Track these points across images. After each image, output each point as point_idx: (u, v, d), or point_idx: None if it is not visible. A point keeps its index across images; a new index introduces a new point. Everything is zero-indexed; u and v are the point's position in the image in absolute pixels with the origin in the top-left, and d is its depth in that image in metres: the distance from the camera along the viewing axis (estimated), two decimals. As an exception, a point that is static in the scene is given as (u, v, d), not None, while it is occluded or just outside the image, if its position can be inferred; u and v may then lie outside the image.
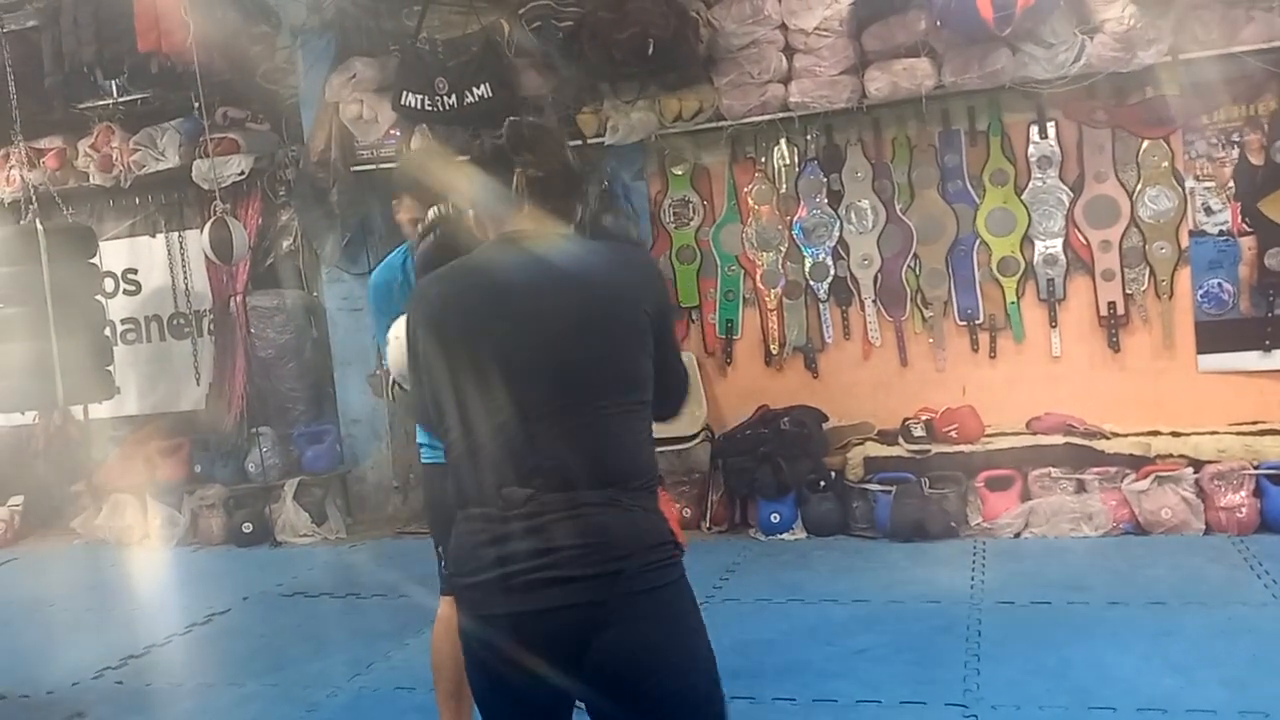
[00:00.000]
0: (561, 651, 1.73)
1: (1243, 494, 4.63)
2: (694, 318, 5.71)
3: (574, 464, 1.75)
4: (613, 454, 1.78)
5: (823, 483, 5.17)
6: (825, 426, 5.36)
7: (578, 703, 1.85)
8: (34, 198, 6.12)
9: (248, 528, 6.01)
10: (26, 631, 4.93)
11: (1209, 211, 5.02)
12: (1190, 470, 4.70)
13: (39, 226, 5.95)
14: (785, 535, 5.15)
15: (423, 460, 3.14)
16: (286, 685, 3.93)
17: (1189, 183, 5.03)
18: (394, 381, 2.76)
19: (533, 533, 1.73)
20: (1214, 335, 5.04)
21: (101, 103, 6.30)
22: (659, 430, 1.95)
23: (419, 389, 1.94)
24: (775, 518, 5.16)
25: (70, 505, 6.61)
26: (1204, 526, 4.66)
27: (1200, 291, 5.04)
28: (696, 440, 5.51)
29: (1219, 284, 5.01)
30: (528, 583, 1.73)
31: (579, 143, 5.27)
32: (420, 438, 3.15)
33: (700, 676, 1.79)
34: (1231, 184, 4.97)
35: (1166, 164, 5.03)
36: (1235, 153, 4.95)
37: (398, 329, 2.56)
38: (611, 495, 1.75)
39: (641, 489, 1.80)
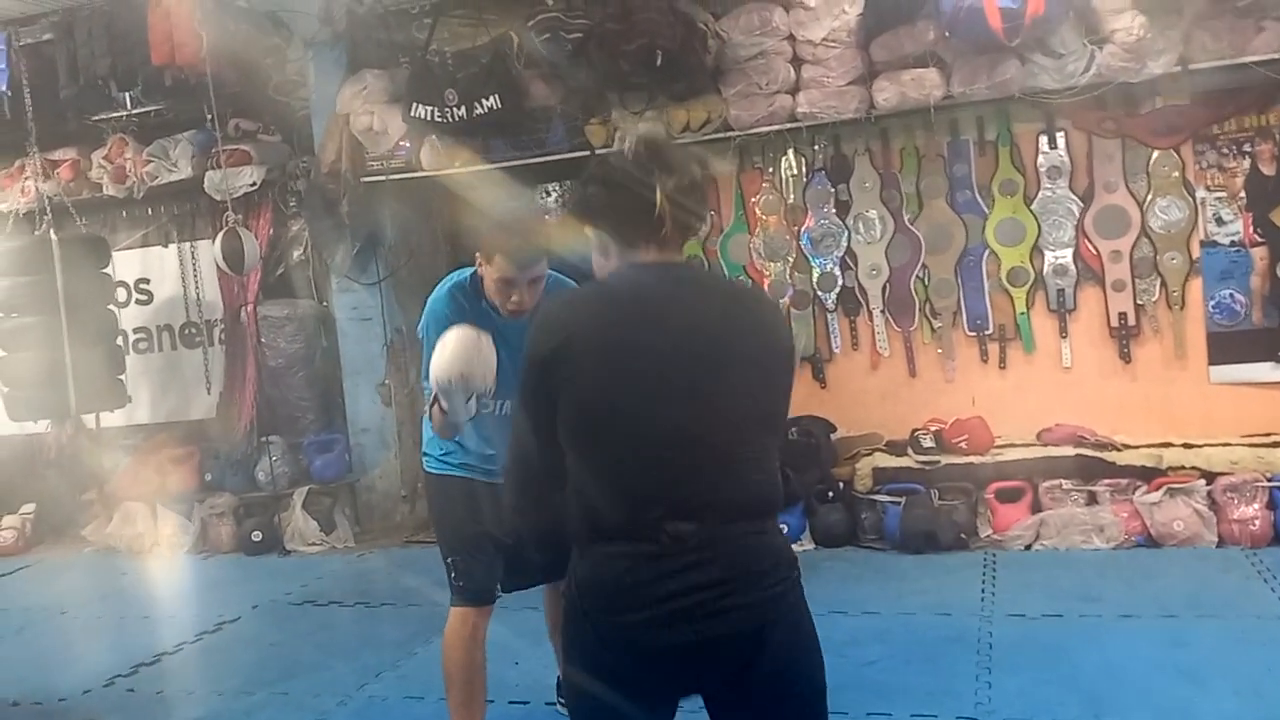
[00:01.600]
0: (729, 671, 1.82)
1: (1255, 506, 4.60)
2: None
3: (731, 498, 1.80)
4: (760, 487, 1.85)
5: (831, 493, 5.16)
6: (833, 437, 5.35)
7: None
8: (48, 208, 6.19)
9: (257, 536, 6.02)
10: (38, 639, 4.95)
11: (1220, 222, 5.01)
12: (1202, 482, 4.67)
13: (53, 236, 6.01)
14: (794, 546, 5.12)
15: (428, 470, 3.14)
16: (296, 694, 3.93)
17: (1200, 193, 5.02)
18: (435, 397, 2.74)
19: (704, 565, 1.77)
20: (1226, 346, 5.02)
21: (115, 115, 6.35)
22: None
23: (528, 434, 1.88)
24: (783, 528, 5.15)
25: (81, 513, 6.64)
26: (1216, 539, 4.63)
27: (1212, 302, 5.03)
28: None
29: (1230, 295, 5.00)
30: (706, 613, 1.77)
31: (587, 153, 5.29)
32: (427, 448, 3.13)
33: (823, 673, 1.92)
34: (1243, 194, 4.96)
35: (1177, 174, 5.02)
36: (1246, 163, 4.94)
37: (450, 335, 2.65)
38: (759, 525, 1.85)
39: (775, 515, 1.92)
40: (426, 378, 2.77)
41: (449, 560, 3.08)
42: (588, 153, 5.46)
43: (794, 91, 5.21)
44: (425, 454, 3.13)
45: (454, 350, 2.64)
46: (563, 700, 3.24)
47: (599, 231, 1.90)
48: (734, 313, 1.86)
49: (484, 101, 5.35)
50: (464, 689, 3.03)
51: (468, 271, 3.01)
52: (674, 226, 1.83)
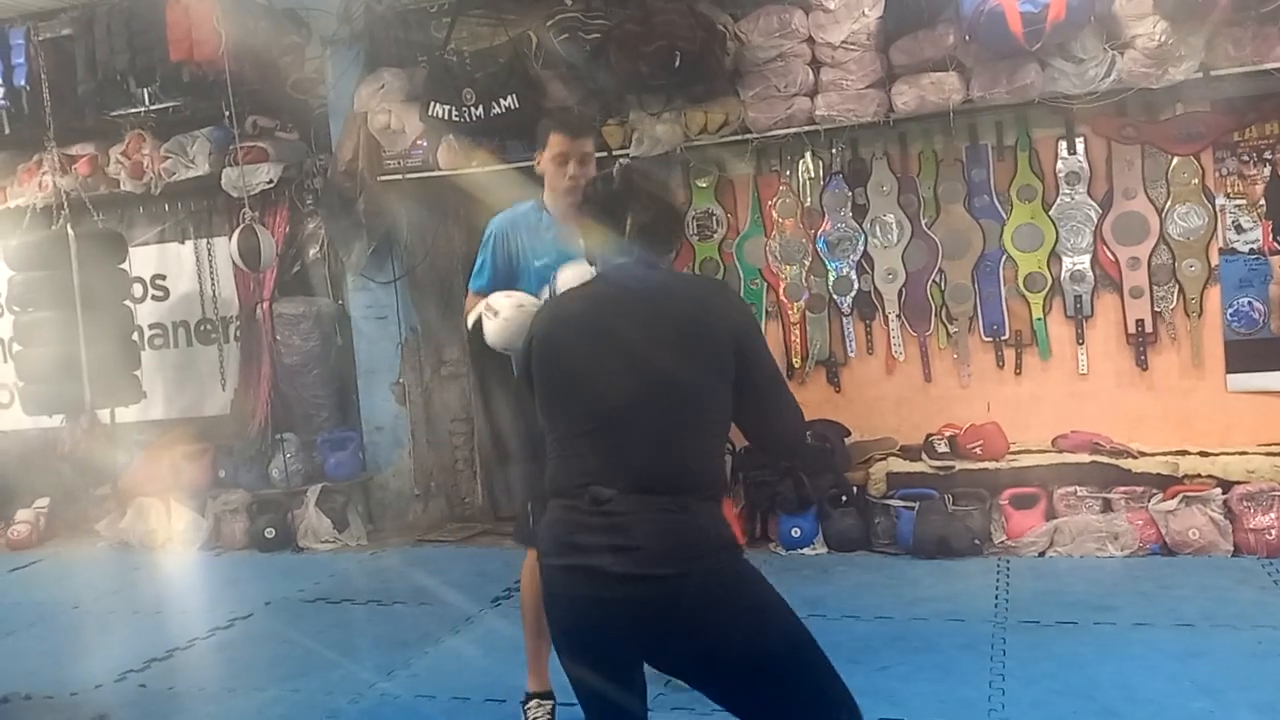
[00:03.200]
0: (638, 637, 2.00)
1: (1272, 516, 4.57)
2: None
3: (651, 471, 2.00)
4: (684, 465, 2.03)
5: (845, 498, 5.14)
6: (848, 441, 5.33)
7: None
8: (66, 203, 6.22)
9: (270, 533, 6.04)
10: (51, 633, 4.97)
11: (1239, 229, 4.97)
12: (1219, 491, 4.64)
13: (70, 232, 6.04)
14: (806, 550, 5.12)
15: None
16: (308, 691, 3.94)
17: (1219, 200, 4.99)
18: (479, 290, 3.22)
19: (614, 530, 1.98)
20: (1243, 354, 4.98)
21: (133, 110, 6.36)
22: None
23: (516, 394, 2.36)
24: (796, 532, 5.14)
25: (95, 508, 6.67)
26: (1232, 548, 4.60)
27: (1230, 310, 4.99)
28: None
29: (1249, 303, 4.96)
30: (609, 574, 1.97)
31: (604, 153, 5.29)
32: None
33: (779, 650, 2.01)
34: (1263, 202, 4.93)
35: (1196, 181, 4.99)
36: (1267, 170, 4.91)
37: (507, 311, 3.00)
38: (683, 502, 1.99)
39: (709, 498, 2.06)
40: (474, 276, 3.32)
41: (528, 506, 3.28)
42: (604, 154, 5.45)
43: (812, 94, 5.20)
44: None
45: (504, 324, 3.00)
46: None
47: (586, 238, 2.31)
48: (668, 312, 2.10)
49: (502, 101, 5.35)
50: (535, 617, 3.26)
51: (531, 200, 3.39)
52: (642, 245, 2.20)
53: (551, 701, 3.34)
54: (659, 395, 2.03)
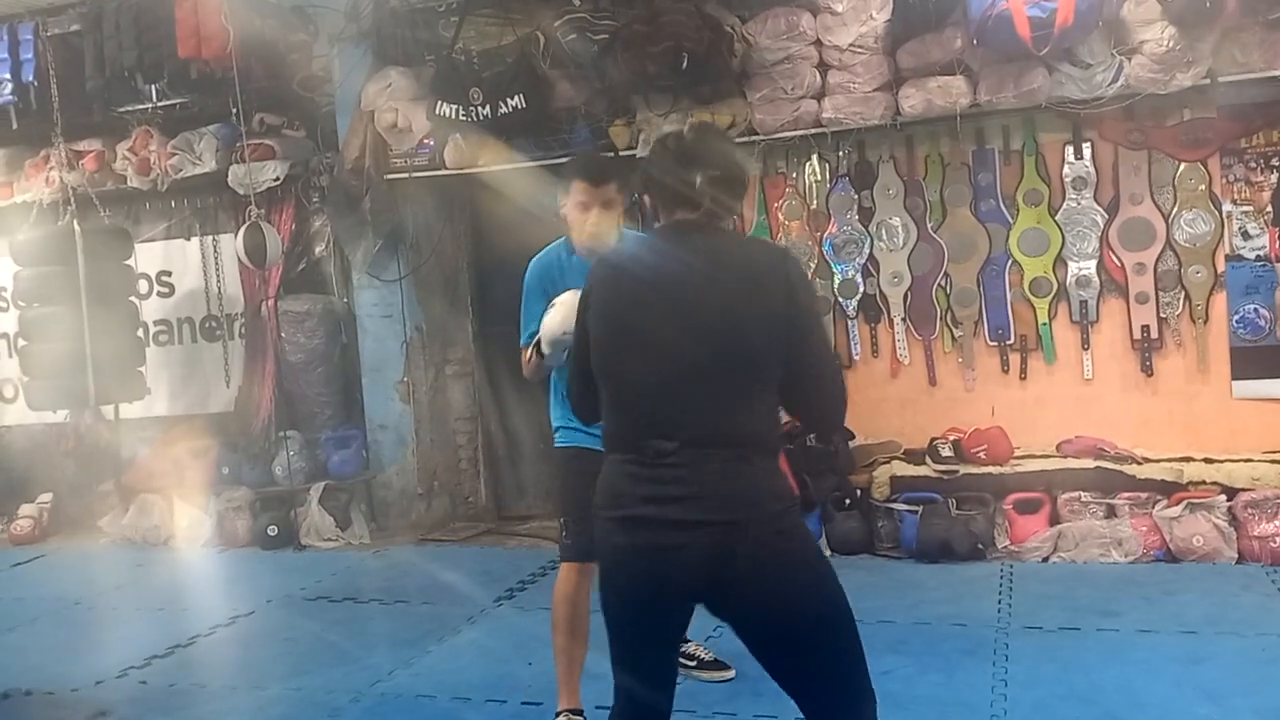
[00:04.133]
0: (697, 577, 2.04)
1: (1277, 523, 4.56)
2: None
3: (710, 426, 2.05)
4: (742, 421, 2.06)
5: (848, 501, 5.13)
6: (851, 444, 5.32)
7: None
8: (72, 199, 6.24)
9: (273, 531, 6.04)
10: (52, 629, 4.97)
11: (1246, 236, 4.96)
12: (1223, 498, 4.63)
13: (76, 227, 6.06)
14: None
15: (558, 444, 3.40)
16: (309, 689, 3.94)
17: (1226, 206, 4.97)
18: (536, 343, 3.13)
19: (677, 480, 2.04)
20: (1249, 361, 4.97)
21: (141, 107, 6.39)
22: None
23: (574, 359, 2.30)
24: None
25: (98, 504, 6.68)
26: (1236, 555, 4.59)
27: (1236, 317, 4.98)
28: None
29: (1255, 309, 4.95)
30: (672, 521, 2.03)
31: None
32: (557, 421, 3.40)
33: (818, 601, 2.10)
34: (1269, 208, 4.91)
35: (1203, 187, 4.99)
36: (1274, 177, 4.90)
37: (564, 298, 2.98)
38: (742, 454, 2.05)
39: (767, 452, 2.11)
40: (524, 329, 3.26)
41: (562, 520, 3.34)
42: (611, 154, 5.46)
43: (819, 97, 5.20)
44: (556, 430, 3.40)
45: (566, 312, 2.90)
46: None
47: (649, 198, 2.27)
48: (725, 272, 2.13)
49: (509, 101, 5.36)
50: (567, 633, 3.28)
51: (561, 240, 3.38)
52: (709, 202, 2.16)
53: (581, 718, 3.31)
54: (718, 354, 2.06)
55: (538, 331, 3.13)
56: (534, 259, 3.40)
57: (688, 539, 2.02)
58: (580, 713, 3.31)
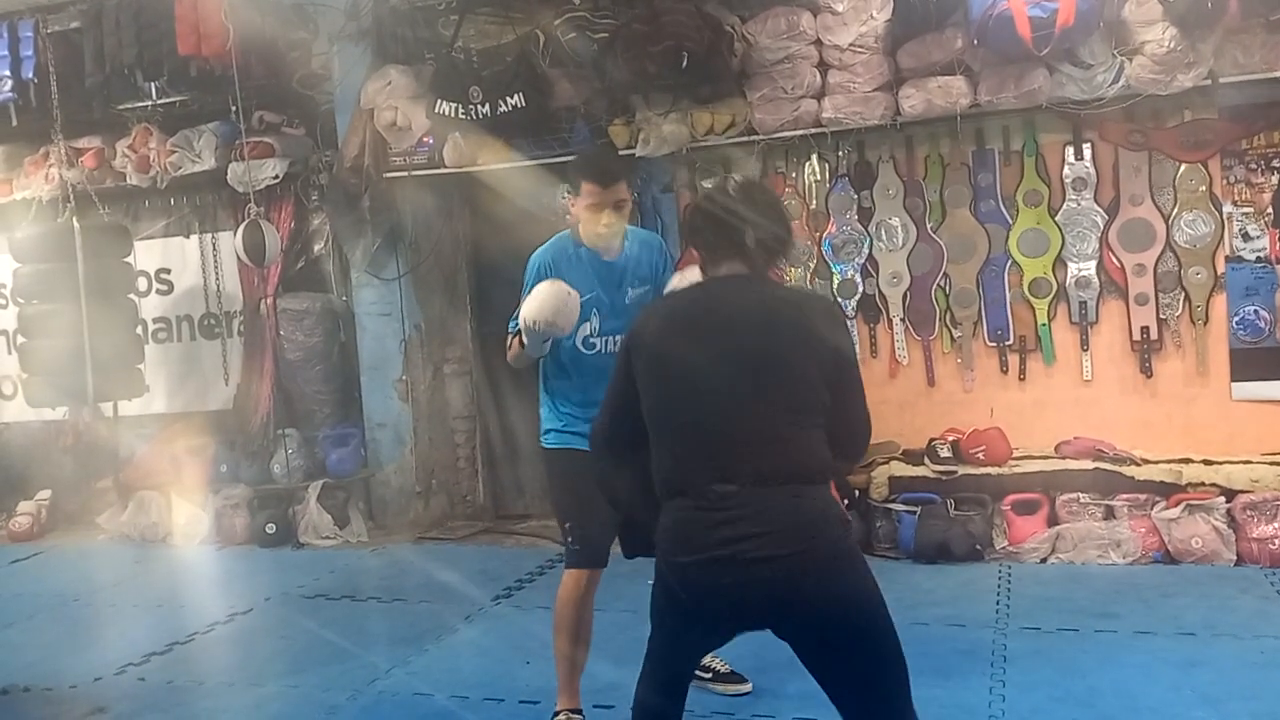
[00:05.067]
0: (767, 609, 2.20)
1: (1275, 525, 4.55)
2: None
3: (767, 465, 2.19)
4: (796, 458, 2.22)
5: (846, 501, 5.12)
6: (851, 444, 5.32)
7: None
8: (72, 196, 6.24)
9: (271, 528, 6.04)
10: (50, 625, 4.97)
11: (1246, 237, 4.96)
12: (1222, 500, 4.63)
13: (75, 224, 6.06)
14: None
15: (547, 445, 3.37)
16: (306, 687, 3.94)
17: (1226, 208, 4.97)
18: (517, 331, 3.16)
19: (745, 520, 2.17)
20: (1249, 363, 4.97)
21: (140, 104, 6.38)
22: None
23: (613, 397, 2.42)
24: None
25: (97, 501, 6.68)
26: (1235, 557, 4.58)
27: (1235, 318, 4.98)
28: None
29: (1255, 311, 4.95)
30: (748, 560, 2.15)
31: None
32: (546, 424, 3.37)
33: (875, 621, 2.24)
34: (1270, 210, 4.91)
35: (1204, 188, 4.98)
36: (1274, 178, 4.89)
37: (542, 286, 3.06)
38: (798, 490, 2.20)
39: (820, 482, 2.26)
40: (514, 319, 3.20)
41: (565, 525, 3.30)
42: (613, 150, 5.45)
43: (819, 97, 5.19)
44: (545, 432, 3.37)
45: (543, 299, 3.03)
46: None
47: (694, 248, 2.44)
48: (777, 320, 2.28)
49: (508, 99, 5.35)
50: (571, 638, 3.26)
51: (565, 232, 3.38)
52: (755, 257, 2.34)
53: (580, 717, 3.31)
54: (773, 398, 2.21)
55: None
56: (537, 251, 3.37)
57: (758, 575, 2.15)
58: (579, 712, 3.31)
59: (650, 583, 2.35)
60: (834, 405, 2.26)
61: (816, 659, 2.25)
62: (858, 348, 5.50)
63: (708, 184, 2.77)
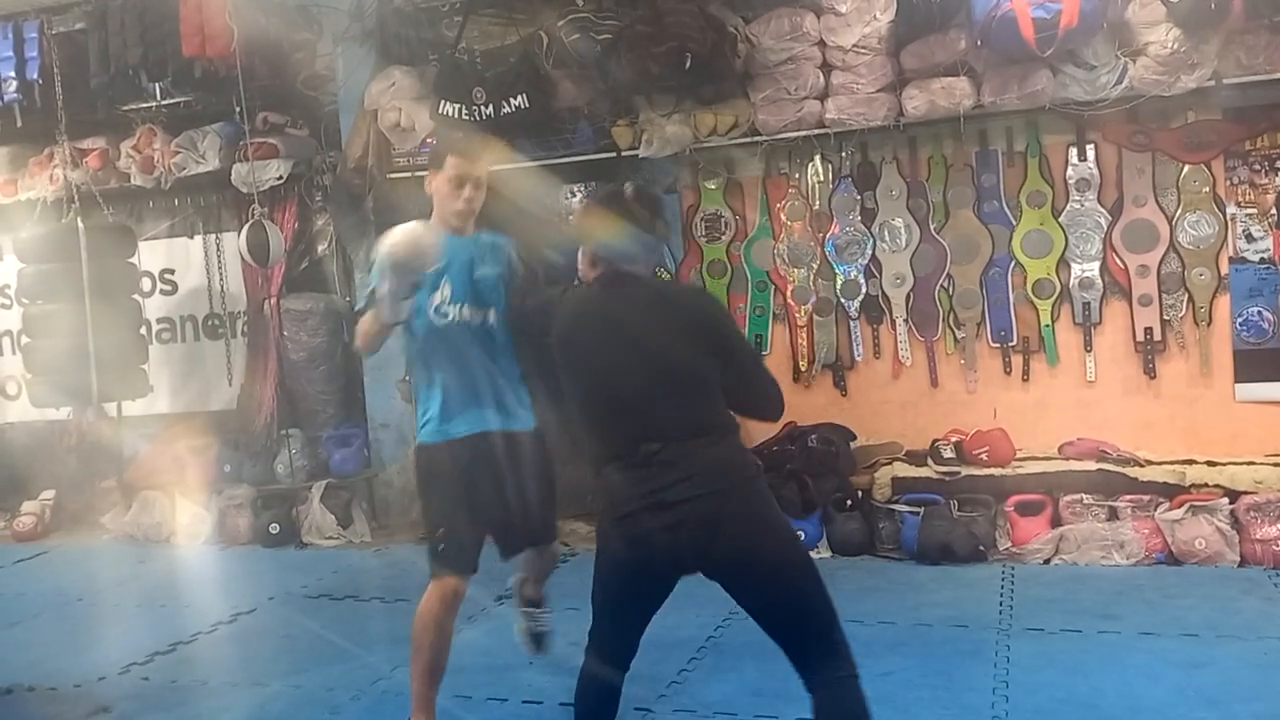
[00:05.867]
0: (697, 544, 2.48)
1: (1279, 527, 4.55)
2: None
3: (683, 423, 2.55)
4: (705, 416, 2.58)
5: (849, 502, 5.13)
6: (853, 445, 5.32)
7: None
8: (76, 196, 6.24)
9: (274, 528, 6.05)
10: (54, 625, 4.98)
11: (1250, 239, 4.95)
12: (1226, 501, 4.62)
13: (80, 225, 6.06)
14: (810, 554, 5.08)
15: (421, 442, 3.25)
16: (310, 687, 3.94)
17: (1230, 209, 4.97)
18: (367, 305, 3.13)
19: (671, 466, 2.50)
20: (1252, 364, 4.96)
21: (145, 105, 6.39)
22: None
23: (563, 382, 2.74)
24: (800, 536, 5.12)
25: (100, 501, 6.68)
26: (1238, 558, 4.58)
27: (1239, 319, 4.97)
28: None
29: (1259, 312, 4.94)
30: (672, 501, 2.47)
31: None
32: (423, 415, 3.25)
33: (791, 548, 2.61)
34: (1273, 211, 4.90)
35: (1207, 189, 4.98)
36: (1278, 179, 4.89)
37: (396, 228, 2.98)
38: (715, 438, 2.56)
39: (731, 434, 2.61)
40: (359, 297, 3.05)
41: (436, 531, 3.20)
42: (614, 154, 5.47)
43: (823, 98, 5.20)
44: (421, 425, 3.27)
45: (401, 234, 2.94)
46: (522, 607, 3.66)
47: (586, 246, 2.76)
48: (667, 308, 2.69)
49: (512, 101, 5.36)
50: (432, 657, 3.14)
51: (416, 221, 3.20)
52: (643, 252, 2.74)
53: None
54: (675, 371, 2.58)
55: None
56: (386, 236, 3.06)
57: (686, 513, 2.47)
58: None
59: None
60: (735, 374, 2.63)
61: (744, 591, 2.54)
62: (861, 348, 5.52)
63: (600, 193, 3.17)
